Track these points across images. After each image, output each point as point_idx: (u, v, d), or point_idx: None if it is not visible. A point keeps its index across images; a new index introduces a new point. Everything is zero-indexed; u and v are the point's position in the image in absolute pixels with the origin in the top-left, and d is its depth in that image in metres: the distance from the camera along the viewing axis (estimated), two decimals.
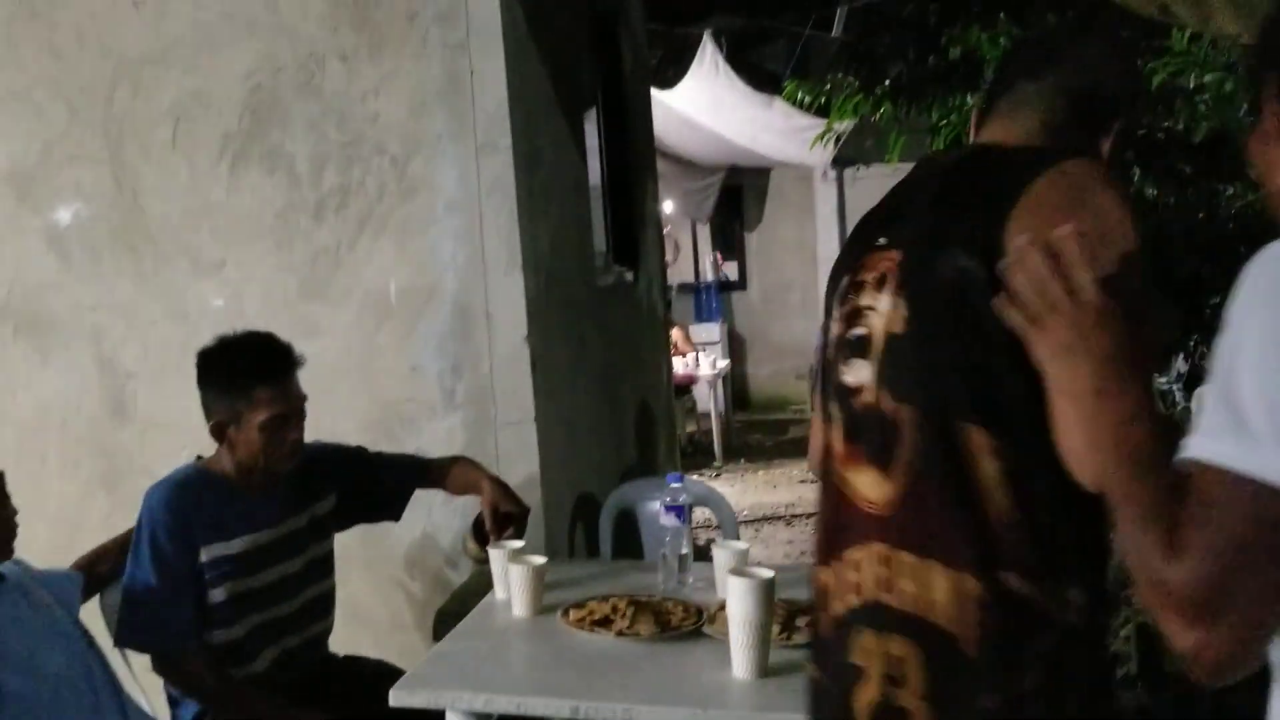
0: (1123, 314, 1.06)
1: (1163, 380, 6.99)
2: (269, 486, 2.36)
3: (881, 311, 1.32)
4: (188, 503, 2.25)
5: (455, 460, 2.64)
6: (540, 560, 2.37)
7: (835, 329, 1.42)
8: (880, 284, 1.34)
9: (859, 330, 1.35)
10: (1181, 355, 7.12)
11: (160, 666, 2.29)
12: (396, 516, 2.61)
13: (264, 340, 2.32)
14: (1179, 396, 7.23)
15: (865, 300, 1.35)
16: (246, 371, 2.26)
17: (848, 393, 1.37)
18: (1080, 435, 1.09)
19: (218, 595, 2.28)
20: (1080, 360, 1.07)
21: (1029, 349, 1.12)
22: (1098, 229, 1.16)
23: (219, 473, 2.33)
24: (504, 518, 2.43)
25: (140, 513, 2.26)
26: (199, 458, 2.37)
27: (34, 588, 2.04)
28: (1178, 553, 0.92)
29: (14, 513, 1.99)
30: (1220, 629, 0.90)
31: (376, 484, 2.58)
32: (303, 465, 2.42)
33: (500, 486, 2.50)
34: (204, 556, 2.26)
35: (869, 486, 1.32)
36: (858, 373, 1.35)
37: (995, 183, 1.29)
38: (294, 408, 2.31)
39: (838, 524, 1.38)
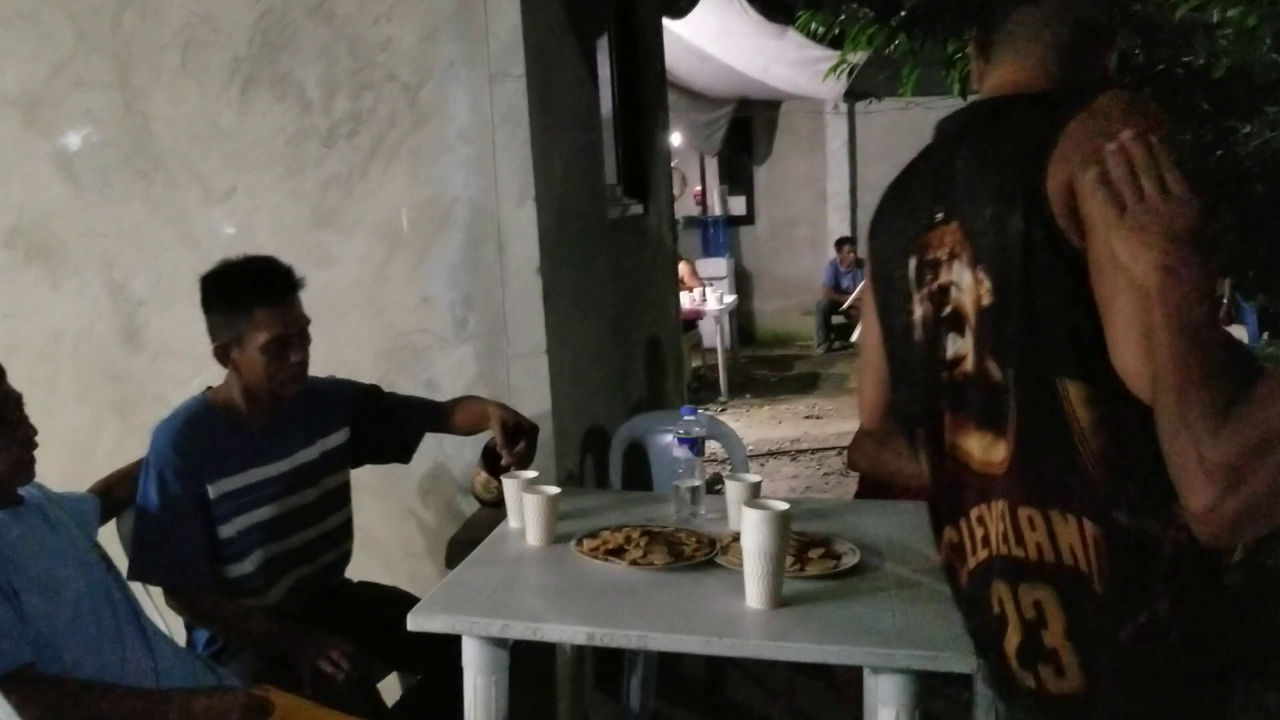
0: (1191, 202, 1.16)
1: None
2: (277, 418, 2.36)
3: (965, 286, 1.41)
4: (194, 439, 2.25)
5: (461, 399, 2.64)
6: (554, 490, 2.38)
7: (923, 309, 1.51)
8: (953, 259, 1.43)
9: (949, 308, 1.45)
10: None
11: (173, 601, 2.31)
12: (406, 459, 2.61)
13: (264, 262, 2.31)
14: None
15: (945, 277, 1.44)
16: (246, 292, 2.26)
17: (949, 365, 1.46)
18: (1140, 325, 1.18)
19: (227, 530, 2.30)
20: (1154, 240, 1.15)
21: (1096, 251, 1.22)
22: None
23: (225, 405, 2.33)
24: (515, 431, 2.41)
25: (147, 451, 2.26)
26: (208, 389, 2.37)
27: (53, 510, 2.06)
28: (1228, 421, 1.05)
29: (33, 433, 2.00)
30: (1238, 497, 1.04)
31: (388, 424, 2.58)
32: (314, 398, 2.42)
33: (507, 408, 2.50)
34: (211, 493, 2.27)
35: (982, 450, 1.43)
36: (956, 346, 1.44)
37: (1028, 135, 1.33)
38: (296, 329, 2.31)
39: (956, 486, 1.50)
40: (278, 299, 2.28)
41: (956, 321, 1.43)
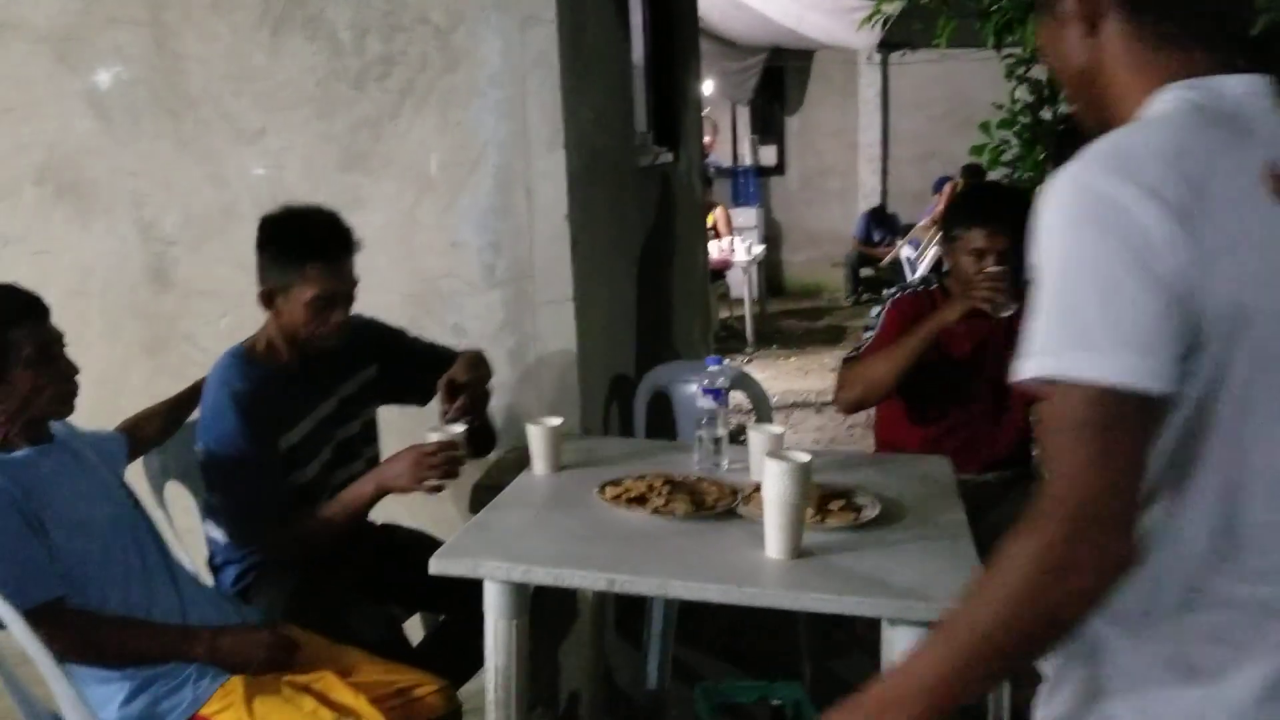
0: None
1: None
2: (317, 355, 2.38)
3: None
4: (258, 400, 2.26)
5: (465, 350, 2.62)
6: (556, 421, 2.43)
7: None
8: None
9: None
10: None
11: (268, 548, 2.35)
12: (423, 402, 2.62)
13: (328, 218, 2.32)
14: None
15: None
16: (304, 245, 2.26)
17: None
18: None
19: (301, 477, 2.35)
20: None
21: None
22: None
23: (266, 353, 2.34)
24: (453, 387, 2.39)
25: (211, 420, 2.26)
26: (244, 343, 2.36)
27: (82, 448, 2.09)
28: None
29: (74, 371, 2.02)
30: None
31: (411, 366, 2.59)
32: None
33: (469, 360, 2.47)
34: (283, 446, 2.31)
35: None
36: None
37: None
38: (344, 291, 2.32)
39: None
40: (334, 257, 2.29)
41: None
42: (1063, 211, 1.00)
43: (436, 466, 2.22)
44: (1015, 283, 2.59)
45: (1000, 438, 2.80)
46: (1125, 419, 0.95)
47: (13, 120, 3.11)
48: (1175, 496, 1.02)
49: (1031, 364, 0.99)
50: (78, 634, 1.90)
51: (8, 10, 3.07)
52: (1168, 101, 1.06)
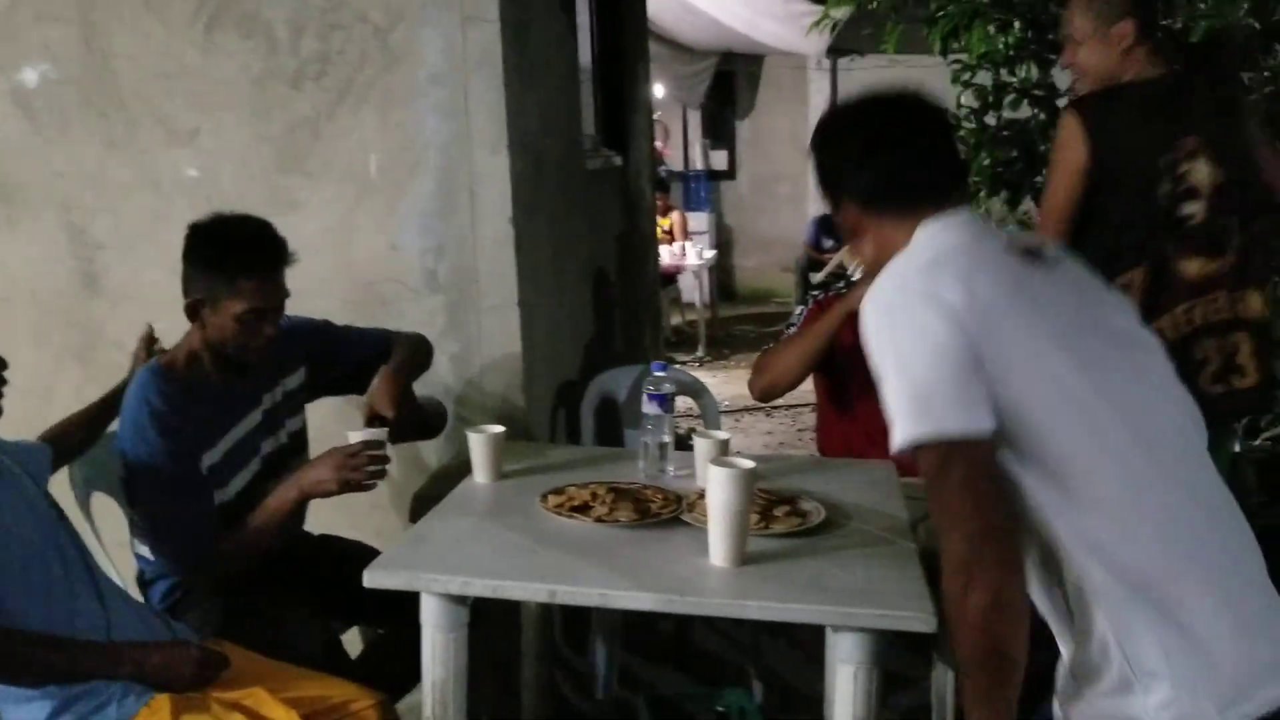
0: None
1: None
2: (240, 368, 2.31)
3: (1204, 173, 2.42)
4: (176, 417, 2.18)
5: (402, 342, 2.56)
6: (498, 429, 2.38)
7: (1168, 186, 2.43)
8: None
9: (1188, 184, 2.43)
10: None
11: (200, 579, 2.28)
12: (362, 390, 2.56)
13: (261, 228, 2.23)
14: None
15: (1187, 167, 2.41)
16: (236, 257, 2.18)
17: (1182, 220, 2.43)
18: None
19: (224, 495, 2.27)
20: None
21: None
22: None
23: (186, 366, 2.26)
24: (374, 419, 2.34)
25: (129, 443, 2.19)
26: (160, 354, 2.28)
27: (3, 459, 2.01)
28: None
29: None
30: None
31: (342, 358, 2.53)
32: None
33: (390, 384, 2.40)
34: (205, 464, 2.23)
35: (1199, 267, 2.43)
36: (1191, 208, 2.42)
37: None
38: (274, 305, 2.24)
39: (1169, 293, 2.43)
40: (266, 271, 2.20)
41: (1193, 193, 2.39)
42: (889, 313, 1.39)
43: (359, 467, 2.16)
44: None
45: None
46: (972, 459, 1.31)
47: None
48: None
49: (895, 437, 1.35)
50: None
51: None
52: (923, 235, 1.49)
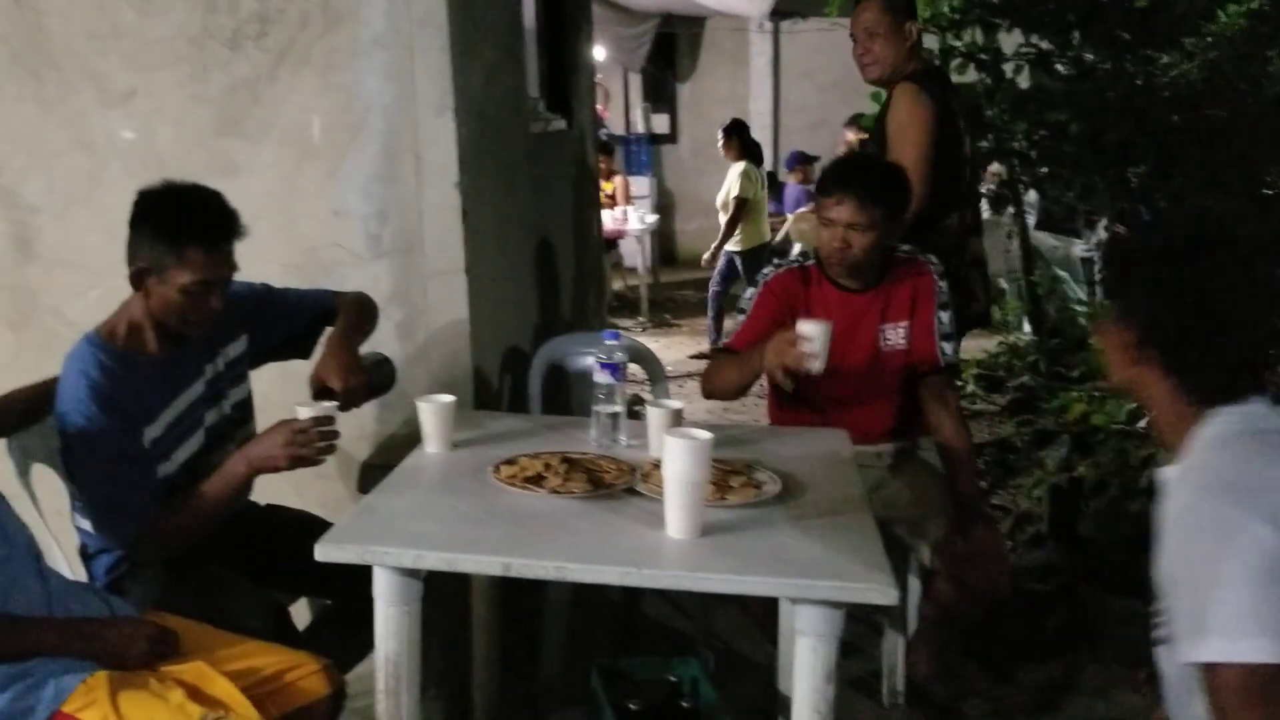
0: None
1: (1083, 246, 7.10)
2: (180, 338, 2.25)
3: None
4: (115, 389, 2.12)
5: (344, 305, 2.51)
6: (448, 398, 2.36)
7: None
8: None
9: None
10: (1104, 221, 7.23)
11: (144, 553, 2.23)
12: (306, 354, 2.52)
13: (212, 198, 2.18)
14: (1099, 262, 7.37)
15: None
16: (187, 228, 2.11)
17: None
18: None
19: (167, 467, 2.23)
20: None
21: None
22: None
23: (127, 337, 2.20)
24: (323, 392, 2.30)
25: (67, 415, 2.12)
26: (95, 333, 2.20)
27: None
28: None
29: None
30: None
31: (283, 322, 2.48)
32: None
33: (338, 354, 2.36)
34: (147, 437, 2.18)
35: (971, 216, 2.90)
36: None
37: None
38: (222, 277, 2.19)
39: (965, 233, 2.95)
40: (216, 242, 2.14)
41: (966, 160, 3.08)
42: (1199, 531, 1.33)
43: (309, 443, 2.13)
44: (873, 261, 2.65)
45: (878, 411, 2.80)
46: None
47: None
48: None
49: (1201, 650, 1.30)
50: None
51: None
52: (1218, 426, 1.42)
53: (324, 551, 1.86)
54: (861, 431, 2.67)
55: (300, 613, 2.54)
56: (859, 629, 2.97)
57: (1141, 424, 3.82)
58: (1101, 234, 7.31)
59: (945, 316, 2.72)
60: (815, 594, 1.69)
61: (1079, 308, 5.40)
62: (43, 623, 1.89)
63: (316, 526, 2.22)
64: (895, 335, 2.71)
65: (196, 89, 2.84)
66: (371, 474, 2.43)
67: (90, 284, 2.83)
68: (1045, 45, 4.99)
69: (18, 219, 2.93)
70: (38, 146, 2.89)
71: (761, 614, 2.93)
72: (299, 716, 1.97)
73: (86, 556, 2.30)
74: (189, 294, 2.13)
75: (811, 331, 2.33)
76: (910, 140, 3.05)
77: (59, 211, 2.90)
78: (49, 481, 2.31)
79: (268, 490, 2.55)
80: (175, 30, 2.81)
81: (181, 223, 2.12)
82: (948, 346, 2.71)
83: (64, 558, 2.27)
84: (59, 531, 2.28)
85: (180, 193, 2.16)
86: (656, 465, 2.06)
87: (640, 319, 8.18)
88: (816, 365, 2.34)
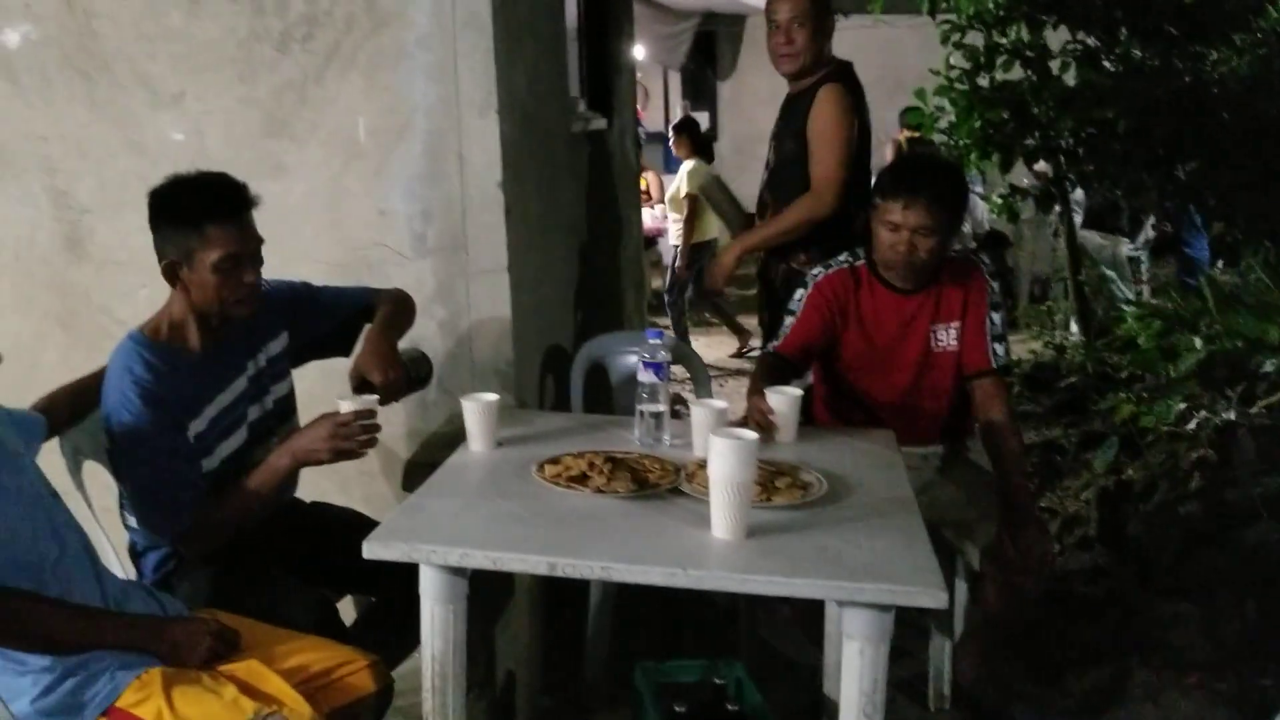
0: None
1: (1131, 245, 7.00)
2: (222, 336, 2.28)
3: None
4: (161, 386, 2.15)
5: (384, 299, 2.53)
6: (492, 396, 2.36)
7: None
8: None
9: None
10: (1151, 220, 7.12)
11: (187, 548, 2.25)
12: (347, 352, 2.53)
13: (217, 177, 2.21)
14: (1145, 261, 7.26)
15: None
16: (199, 208, 2.15)
17: None
18: None
19: (210, 462, 2.25)
20: None
21: None
22: None
23: (170, 335, 2.23)
24: (364, 385, 2.31)
25: (114, 412, 2.15)
26: (139, 331, 2.23)
27: (2, 429, 1.98)
28: None
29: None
30: None
31: (323, 318, 2.50)
32: None
33: (377, 348, 2.37)
34: (191, 432, 2.20)
35: None
36: None
37: None
38: (249, 249, 2.21)
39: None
40: (232, 215, 2.17)
41: None
42: None
43: (351, 436, 2.16)
44: (934, 263, 2.61)
45: (928, 412, 2.77)
46: None
47: None
48: None
49: None
50: (13, 617, 1.79)
51: None
52: None
53: (371, 549, 1.87)
54: (910, 433, 2.65)
55: (345, 611, 2.56)
56: (904, 631, 2.94)
57: (1191, 425, 3.76)
58: (1150, 232, 7.22)
59: (997, 317, 2.69)
60: (863, 597, 1.68)
61: (1128, 308, 5.32)
62: (111, 617, 1.92)
63: (362, 524, 2.24)
64: (947, 336, 2.68)
65: (245, 91, 2.87)
66: (416, 472, 2.44)
67: (140, 283, 2.86)
68: (1092, 41, 4.92)
69: (70, 219, 2.97)
70: (89, 148, 2.94)
71: (804, 616, 2.91)
72: (347, 712, 1.99)
73: (136, 554, 2.33)
74: (221, 271, 2.15)
75: (779, 405, 2.34)
76: (834, 144, 3.14)
77: (110, 212, 2.94)
78: (100, 478, 2.35)
79: (314, 487, 2.57)
80: (224, 33, 2.85)
81: (195, 204, 2.15)
82: (999, 347, 2.68)
83: (115, 556, 2.30)
84: (110, 529, 2.31)
85: (186, 180, 2.19)
86: (701, 465, 2.06)
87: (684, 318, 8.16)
88: (784, 437, 2.36)
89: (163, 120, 2.90)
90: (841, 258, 2.77)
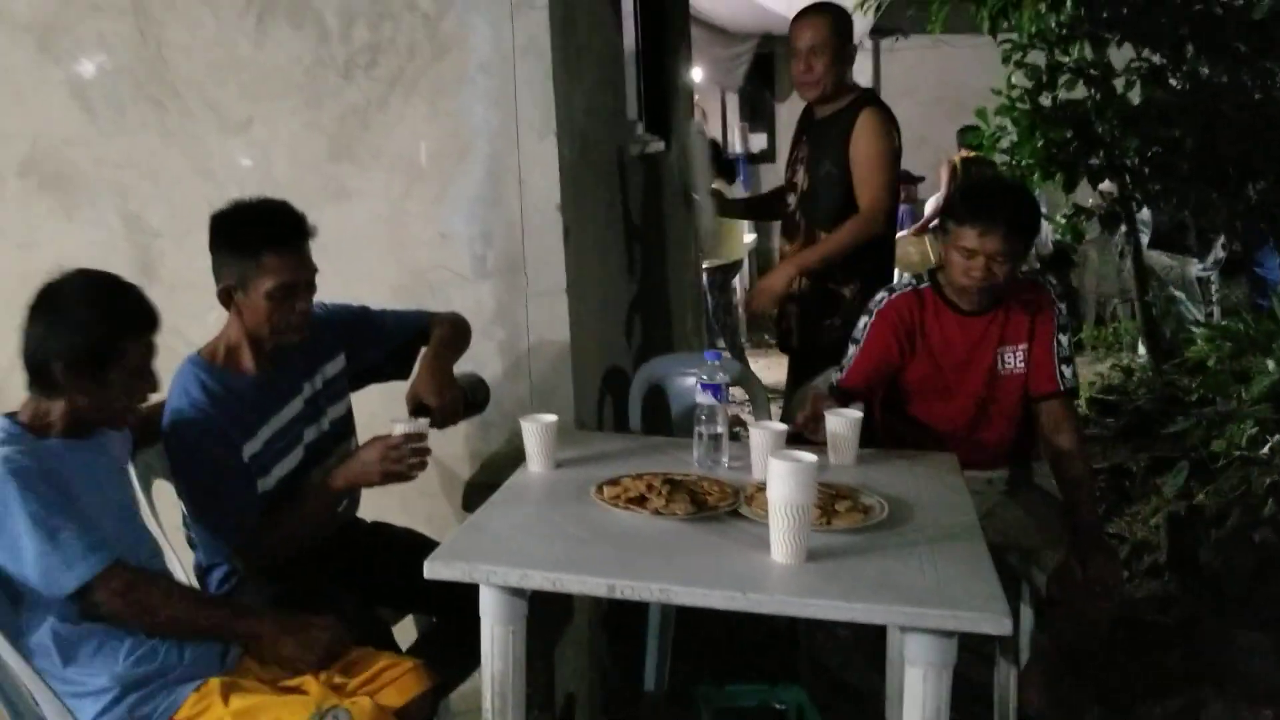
0: None
1: (1200, 266, 6.86)
2: (278, 358, 2.31)
3: None
4: (217, 408, 2.20)
5: (440, 322, 2.56)
6: (552, 417, 2.37)
7: None
8: None
9: None
10: (1220, 240, 6.97)
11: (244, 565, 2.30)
12: (405, 375, 2.56)
13: (277, 206, 2.25)
14: (1215, 282, 7.12)
15: None
16: (257, 236, 2.20)
17: None
18: None
19: (267, 483, 2.29)
20: None
21: None
22: None
23: (226, 358, 2.28)
24: (420, 409, 2.34)
25: (174, 433, 2.21)
26: (197, 354, 2.30)
27: (109, 443, 2.05)
28: None
29: (151, 388, 2.05)
30: None
31: (380, 341, 2.54)
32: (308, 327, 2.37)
33: (433, 371, 2.41)
34: (247, 454, 2.24)
35: None
36: None
37: None
38: (303, 278, 2.25)
39: None
40: (289, 245, 2.22)
41: None
42: None
43: (401, 459, 2.19)
44: (1004, 286, 2.58)
45: (994, 435, 2.74)
46: None
47: None
48: None
49: None
50: (136, 596, 1.88)
51: None
52: None
53: (432, 569, 1.89)
54: (975, 457, 2.62)
55: (407, 631, 2.57)
56: (968, 658, 2.90)
57: (1264, 450, 3.67)
58: (1219, 252, 7.08)
59: (1064, 339, 2.66)
60: (926, 622, 1.65)
61: (1197, 330, 5.22)
62: (259, 613, 2.03)
63: (422, 544, 2.26)
64: (1014, 358, 2.65)
65: (310, 117, 2.92)
66: (475, 492, 2.46)
67: (209, 306, 2.88)
68: (1158, 59, 4.85)
69: (141, 243, 3.04)
70: (160, 174, 3.00)
71: (866, 640, 2.88)
72: (397, 715, 2.01)
73: (201, 571, 2.37)
74: (274, 299, 2.19)
75: (839, 427, 2.38)
76: (881, 169, 3.24)
77: (180, 236, 3.00)
78: (170, 496, 2.39)
79: (375, 506, 2.60)
80: (290, 61, 2.90)
81: (254, 232, 2.20)
82: (1067, 370, 2.65)
83: (183, 572, 2.34)
84: (179, 546, 2.35)
85: (247, 206, 2.24)
86: (760, 487, 2.05)
87: (740, 339, 8.14)
88: (843, 460, 2.37)
89: (231, 146, 2.96)
90: (905, 280, 2.75)
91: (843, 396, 2.63)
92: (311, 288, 2.28)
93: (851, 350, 2.73)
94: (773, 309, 3.59)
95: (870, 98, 3.36)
